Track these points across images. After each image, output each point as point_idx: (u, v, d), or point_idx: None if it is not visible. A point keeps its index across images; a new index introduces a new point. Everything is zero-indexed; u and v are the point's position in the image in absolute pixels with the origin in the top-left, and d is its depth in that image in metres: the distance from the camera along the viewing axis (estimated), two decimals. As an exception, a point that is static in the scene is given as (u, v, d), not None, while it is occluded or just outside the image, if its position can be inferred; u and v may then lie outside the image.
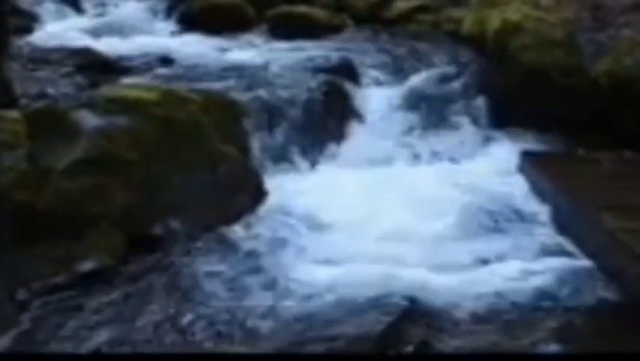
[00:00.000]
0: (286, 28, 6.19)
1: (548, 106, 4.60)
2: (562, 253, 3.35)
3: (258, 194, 3.79)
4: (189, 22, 6.60)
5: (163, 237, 3.35)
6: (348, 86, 4.77)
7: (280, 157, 4.21)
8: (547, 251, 3.37)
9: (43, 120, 3.50)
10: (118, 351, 2.60)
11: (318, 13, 6.39)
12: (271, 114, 4.33)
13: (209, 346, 2.65)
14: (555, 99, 4.61)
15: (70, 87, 4.45)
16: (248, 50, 5.73)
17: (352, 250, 3.30)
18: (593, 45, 4.69)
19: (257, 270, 3.15)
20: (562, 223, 3.60)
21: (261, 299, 2.93)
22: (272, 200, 3.78)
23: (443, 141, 4.57)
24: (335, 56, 5.19)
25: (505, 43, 4.85)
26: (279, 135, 4.27)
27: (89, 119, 3.48)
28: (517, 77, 4.75)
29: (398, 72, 5.03)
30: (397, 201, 3.76)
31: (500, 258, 3.29)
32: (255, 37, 6.17)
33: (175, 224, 3.39)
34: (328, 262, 3.22)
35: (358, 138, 4.50)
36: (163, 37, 6.25)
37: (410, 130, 4.60)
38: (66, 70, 4.81)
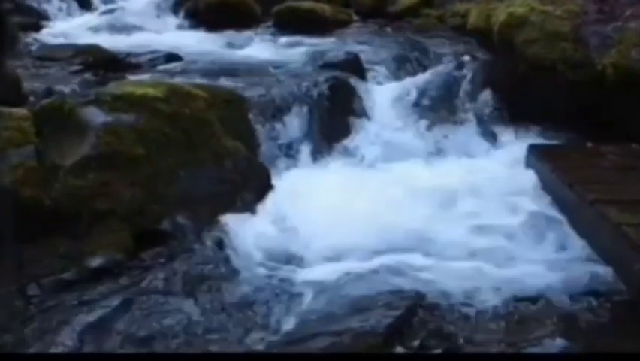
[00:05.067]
0: (292, 24, 6.20)
1: (554, 99, 4.59)
2: (567, 246, 3.35)
3: (265, 189, 3.80)
4: (196, 19, 6.62)
5: (170, 232, 3.36)
6: (354, 81, 4.76)
7: (286, 152, 4.21)
8: (553, 244, 3.37)
9: (51, 117, 3.52)
10: (122, 349, 2.61)
11: (324, 8, 6.40)
12: (277, 110, 4.33)
13: (216, 341, 2.66)
14: (561, 92, 4.60)
15: (78, 84, 4.46)
16: (254, 46, 5.75)
17: (358, 245, 3.30)
18: (599, 38, 4.67)
19: (263, 265, 3.16)
20: (568, 216, 3.59)
21: (266, 294, 2.94)
22: (278, 195, 3.78)
23: (449, 135, 4.57)
24: (341, 51, 5.18)
25: (511, 37, 4.84)
26: (285, 131, 4.27)
27: (97, 116, 3.49)
28: (523, 70, 4.74)
29: (404, 67, 5.03)
30: (403, 196, 3.76)
31: (505, 252, 3.29)
32: (261, 33, 6.19)
33: (182, 219, 3.40)
34: (334, 257, 3.23)
35: (364, 133, 4.49)
36: (170, 34, 6.27)
37: (416, 125, 4.60)
38: (74, 67, 4.83)
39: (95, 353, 2.60)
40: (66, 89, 4.30)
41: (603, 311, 2.87)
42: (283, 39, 5.90)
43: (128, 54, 5.24)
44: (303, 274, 3.10)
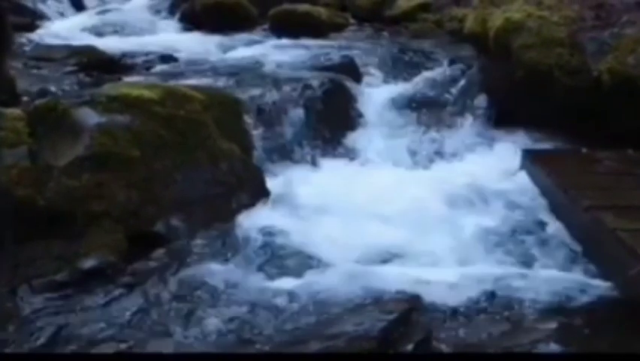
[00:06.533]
0: (288, 27, 6.20)
1: (551, 105, 4.60)
2: (563, 251, 3.35)
3: (260, 191, 3.79)
4: (192, 21, 6.63)
5: (164, 234, 3.35)
6: (350, 84, 4.77)
7: (282, 155, 4.21)
8: (548, 249, 3.37)
9: (45, 118, 3.51)
10: (119, 350, 2.60)
11: (321, 11, 6.41)
12: (273, 112, 4.33)
13: (210, 343, 2.65)
14: (557, 98, 4.61)
15: (73, 85, 4.46)
16: (250, 48, 5.75)
17: (354, 248, 3.30)
18: (595, 44, 4.69)
19: (257, 268, 3.16)
20: (563, 222, 3.59)
21: (260, 297, 2.93)
22: (273, 198, 3.78)
23: (445, 139, 4.57)
24: (337, 55, 5.19)
25: (508, 42, 4.85)
26: (281, 133, 4.28)
27: (91, 117, 3.48)
28: (519, 75, 4.74)
29: (400, 71, 5.03)
30: (398, 199, 3.76)
31: (500, 255, 3.29)
32: (257, 36, 6.20)
33: (176, 221, 3.39)
34: (329, 259, 3.22)
35: (360, 137, 4.50)
36: (165, 36, 6.28)
37: (412, 129, 4.60)
38: (68, 68, 4.83)
39: (88, 353, 2.58)
40: (60, 90, 4.29)
41: (597, 316, 2.86)
42: (279, 42, 5.91)
43: (124, 55, 5.24)
44: (297, 278, 3.09)
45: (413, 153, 4.48)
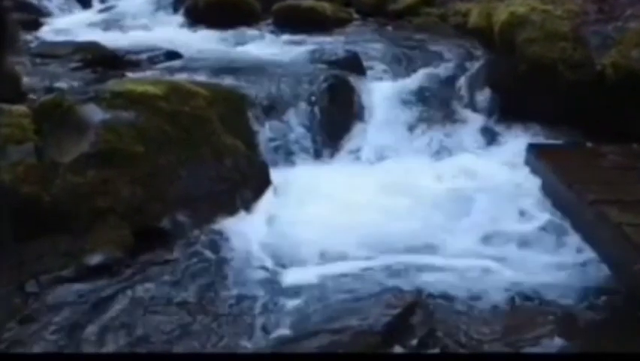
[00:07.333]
0: (292, 22, 6.20)
1: (554, 99, 4.60)
2: (567, 246, 3.35)
3: (264, 187, 3.80)
4: (196, 16, 6.62)
5: (170, 230, 3.36)
6: (355, 79, 4.76)
7: (286, 150, 4.22)
8: (552, 244, 3.37)
9: (50, 114, 3.52)
10: (123, 349, 2.61)
11: (325, 6, 6.39)
12: (277, 108, 4.33)
13: (215, 340, 2.66)
14: (561, 92, 4.61)
15: (78, 82, 4.46)
16: (254, 44, 5.75)
17: (358, 244, 3.31)
18: (599, 38, 4.69)
19: (263, 263, 3.17)
20: (568, 216, 3.60)
21: (266, 292, 2.95)
22: (278, 193, 3.79)
23: (449, 134, 4.57)
24: (341, 50, 5.18)
25: (512, 36, 4.84)
26: (286, 129, 4.28)
27: (96, 114, 3.49)
28: (523, 70, 4.75)
29: (404, 65, 5.03)
30: (402, 195, 3.76)
31: (505, 251, 3.29)
32: (261, 31, 6.19)
33: (182, 217, 3.40)
34: (333, 255, 3.23)
35: (364, 132, 4.50)
36: (169, 32, 6.27)
37: (416, 123, 4.60)
38: (73, 64, 4.83)
39: (94, 352, 2.59)
40: (65, 87, 4.29)
41: (602, 311, 2.87)
42: (283, 37, 5.90)
43: (128, 51, 5.24)
44: (302, 273, 3.10)
45: (417, 148, 4.48)
